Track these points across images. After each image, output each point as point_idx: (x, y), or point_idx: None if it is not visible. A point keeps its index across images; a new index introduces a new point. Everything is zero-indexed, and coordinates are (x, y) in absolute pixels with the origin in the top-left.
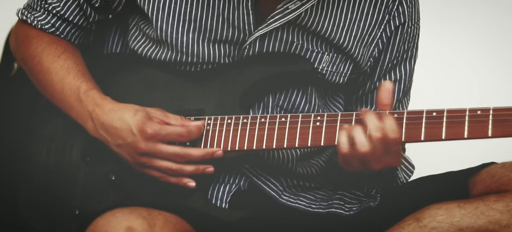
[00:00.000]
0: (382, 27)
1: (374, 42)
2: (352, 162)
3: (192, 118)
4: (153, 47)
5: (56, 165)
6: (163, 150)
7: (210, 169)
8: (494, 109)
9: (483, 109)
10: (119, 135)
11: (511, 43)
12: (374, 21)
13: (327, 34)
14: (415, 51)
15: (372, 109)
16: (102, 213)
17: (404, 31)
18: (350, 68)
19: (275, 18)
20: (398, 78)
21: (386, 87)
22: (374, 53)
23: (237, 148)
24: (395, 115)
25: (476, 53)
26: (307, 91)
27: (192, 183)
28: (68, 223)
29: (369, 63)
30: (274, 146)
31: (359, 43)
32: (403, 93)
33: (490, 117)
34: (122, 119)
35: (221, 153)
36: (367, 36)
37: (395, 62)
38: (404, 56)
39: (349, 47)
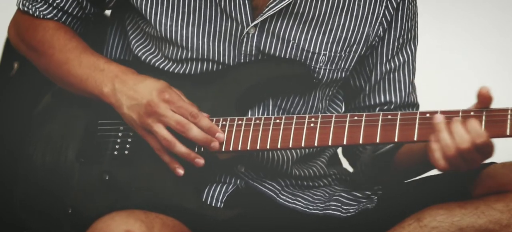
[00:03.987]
0: (384, 3)
1: (379, 20)
2: (456, 162)
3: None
4: (156, 53)
5: (51, 165)
6: (168, 114)
7: (201, 161)
8: (487, 111)
9: (476, 110)
10: (135, 96)
11: (511, 42)
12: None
13: (326, 19)
14: (417, 31)
15: (385, 98)
16: (96, 212)
17: (406, 7)
18: (354, 59)
19: (270, 6)
20: (406, 59)
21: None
22: (379, 32)
23: (231, 149)
24: (389, 116)
25: (477, 52)
26: (304, 93)
27: (181, 171)
28: (62, 222)
29: (373, 42)
30: (268, 147)
31: (363, 23)
32: (413, 75)
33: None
34: (145, 83)
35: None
36: (369, 15)
37: (401, 41)
38: (408, 36)
39: (352, 29)
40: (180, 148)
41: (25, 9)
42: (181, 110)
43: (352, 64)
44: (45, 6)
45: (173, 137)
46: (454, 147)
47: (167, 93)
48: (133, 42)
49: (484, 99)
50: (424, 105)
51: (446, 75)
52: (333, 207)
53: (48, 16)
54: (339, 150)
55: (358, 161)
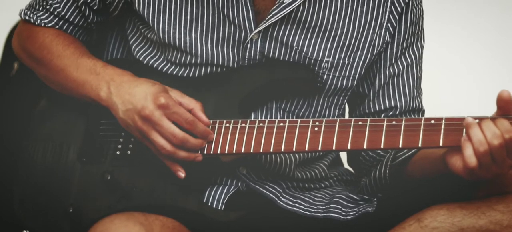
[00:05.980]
0: (388, 9)
1: (383, 26)
2: (486, 162)
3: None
4: (157, 56)
5: (52, 165)
6: (164, 125)
7: (199, 157)
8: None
9: (481, 117)
10: (131, 100)
11: (510, 42)
12: (377, 4)
13: (329, 25)
14: (421, 34)
15: (389, 103)
16: (97, 212)
17: (410, 11)
18: (359, 67)
19: (273, 13)
20: (409, 63)
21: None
22: (386, 38)
23: (234, 152)
24: (393, 122)
25: (476, 53)
26: (308, 97)
27: (182, 174)
28: (61, 221)
29: (381, 49)
30: (271, 150)
31: (366, 29)
32: (418, 79)
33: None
34: (140, 87)
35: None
36: (373, 21)
37: (405, 45)
38: (412, 40)
39: (355, 35)
40: (181, 154)
41: (27, 17)
42: (175, 116)
43: (358, 72)
44: (46, 15)
45: (173, 146)
46: (486, 142)
47: (162, 98)
48: (133, 46)
49: (504, 104)
50: (424, 106)
51: (445, 76)
52: (334, 210)
53: (49, 24)
54: (343, 155)
55: (368, 177)
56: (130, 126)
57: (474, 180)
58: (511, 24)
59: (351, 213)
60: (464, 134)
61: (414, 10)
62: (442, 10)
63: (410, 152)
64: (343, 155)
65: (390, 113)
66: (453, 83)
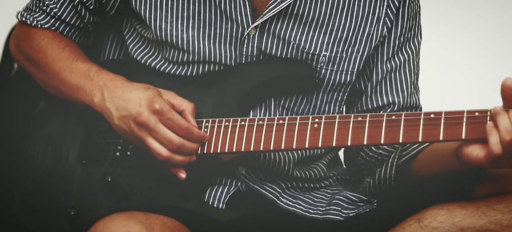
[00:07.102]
0: (385, 3)
1: (381, 20)
2: (502, 161)
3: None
4: (155, 55)
5: (52, 166)
6: (160, 131)
7: (194, 158)
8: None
9: (480, 111)
10: (125, 106)
11: (510, 41)
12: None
13: (326, 19)
14: (418, 30)
15: (387, 99)
16: (98, 213)
17: (407, 5)
18: (357, 61)
19: (270, 7)
20: (406, 58)
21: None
22: (384, 32)
23: (234, 150)
24: (393, 117)
25: (476, 52)
26: (307, 93)
27: (183, 175)
28: (62, 223)
29: (378, 43)
30: (271, 148)
31: (363, 23)
32: (415, 75)
33: (488, 118)
34: (134, 92)
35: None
36: (370, 15)
37: (402, 40)
38: (409, 35)
39: (352, 29)
40: (177, 158)
41: (23, 19)
42: (169, 122)
43: (356, 66)
44: (42, 16)
45: (169, 152)
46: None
47: (156, 103)
48: (130, 46)
49: (511, 92)
50: (424, 106)
51: (445, 75)
52: (333, 212)
53: (46, 26)
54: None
55: (373, 177)
56: (126, 132)
57: (475, 179)
58: (511, 24)
59: (351, 214)
60: (488, 121)
61: (411, 4)
62: (442, 10)
63: (416, 150)
64: (342, 155)
65: (388, 109)
66: (453, 83)
